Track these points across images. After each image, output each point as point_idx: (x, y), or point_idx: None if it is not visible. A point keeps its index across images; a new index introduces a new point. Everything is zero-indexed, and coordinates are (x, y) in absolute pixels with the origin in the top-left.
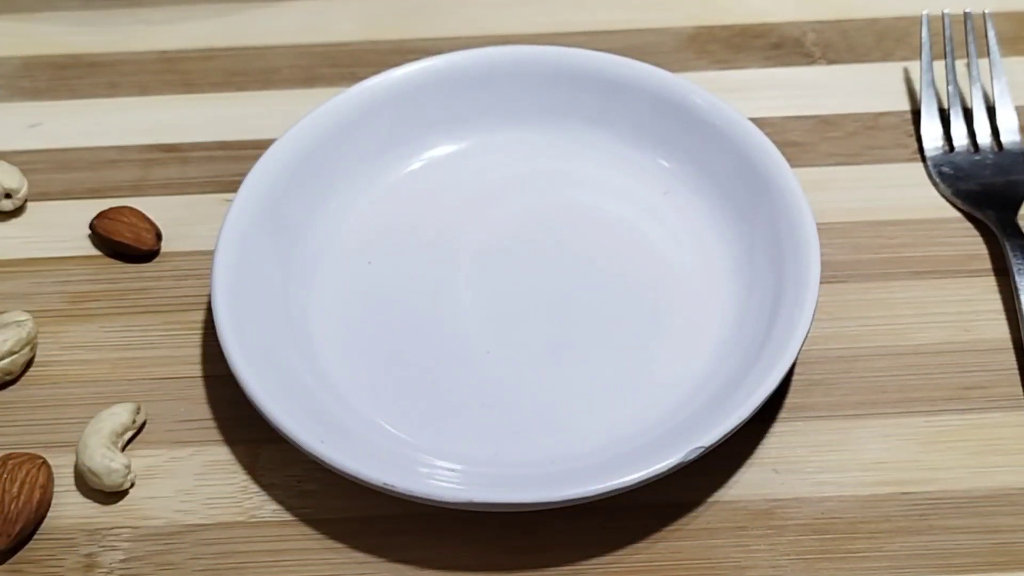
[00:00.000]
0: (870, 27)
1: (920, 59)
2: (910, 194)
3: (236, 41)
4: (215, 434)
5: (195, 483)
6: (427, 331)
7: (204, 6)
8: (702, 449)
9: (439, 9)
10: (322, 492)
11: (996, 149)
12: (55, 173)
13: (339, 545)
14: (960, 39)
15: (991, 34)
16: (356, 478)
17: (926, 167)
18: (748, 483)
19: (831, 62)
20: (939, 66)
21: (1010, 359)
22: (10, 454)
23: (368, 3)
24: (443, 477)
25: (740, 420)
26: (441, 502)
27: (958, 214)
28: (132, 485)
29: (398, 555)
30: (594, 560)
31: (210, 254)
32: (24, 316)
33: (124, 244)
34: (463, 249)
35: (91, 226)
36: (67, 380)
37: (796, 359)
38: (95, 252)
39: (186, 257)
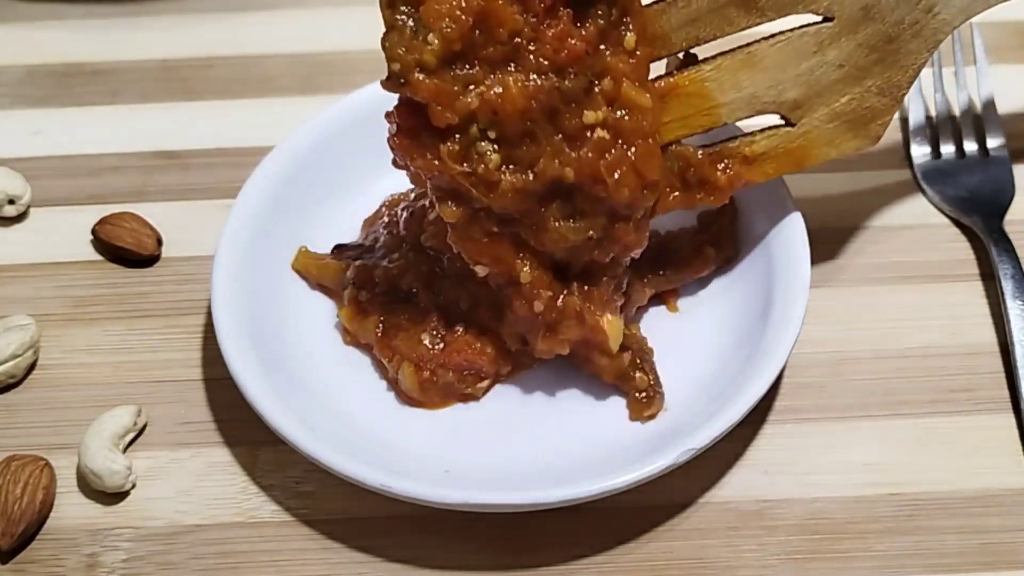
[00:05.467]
0: None
1: None
2: (898, 200)
3: (236, 50)
4: (215, 436)
5: (195, 484)
6: None
7: (204, 15)
8: (693, 451)
9: None
10: (320, 493)
11: (982, 156)
12: (57, 179)
13: (336, 545)
14: (947, 48)
15: (977, 43)
16: (353, 479)
17: (913, 174)
18: (739, 484)
19: None
20: (927, 74)
21: (996, 362)
22: (13, 456)
23: (365, 12)
24: (439, 479)
25: (731, 422)
26: (437, 503)
27: (945, 220)
28: (133, 486)
29: (395, 555)
30: (588, 560)
31: (210, 259)
32: (27, 320)
33: (125, 249)
34: None
35: (93, 232)
36: (69, 383)
37: (786, 362)
38: (97, 257)
39: (186, 262)
